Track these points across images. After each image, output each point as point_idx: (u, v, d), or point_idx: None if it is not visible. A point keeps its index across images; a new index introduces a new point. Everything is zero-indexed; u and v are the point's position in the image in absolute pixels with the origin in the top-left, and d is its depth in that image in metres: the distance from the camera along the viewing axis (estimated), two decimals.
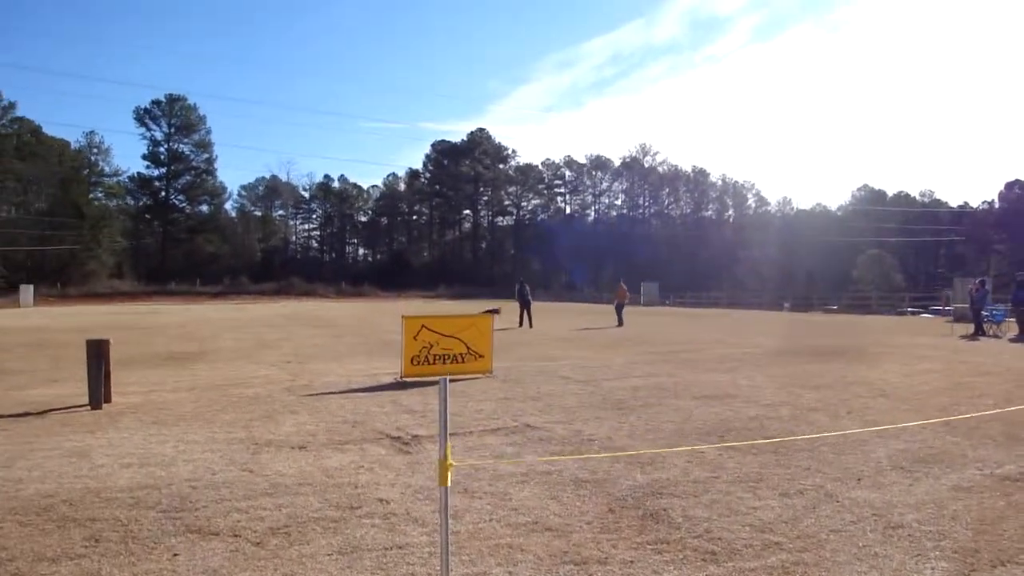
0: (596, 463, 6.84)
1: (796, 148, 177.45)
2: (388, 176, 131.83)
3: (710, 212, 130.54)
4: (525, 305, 29.46)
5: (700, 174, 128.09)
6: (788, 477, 6.35)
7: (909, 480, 6.27)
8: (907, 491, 5.95)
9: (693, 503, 5.63)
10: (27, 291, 67.35)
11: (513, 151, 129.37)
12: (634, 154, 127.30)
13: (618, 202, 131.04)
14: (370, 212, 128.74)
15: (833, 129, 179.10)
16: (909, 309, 51.14)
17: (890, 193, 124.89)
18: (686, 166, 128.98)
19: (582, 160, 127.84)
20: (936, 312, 45.37)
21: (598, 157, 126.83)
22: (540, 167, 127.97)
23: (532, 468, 6.69)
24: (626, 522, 5.22)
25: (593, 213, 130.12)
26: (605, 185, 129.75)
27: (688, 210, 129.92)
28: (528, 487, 6.08)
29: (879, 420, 8.98)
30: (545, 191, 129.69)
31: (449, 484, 3.54)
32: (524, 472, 6.55)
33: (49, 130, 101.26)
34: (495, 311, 26.98)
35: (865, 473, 6.48)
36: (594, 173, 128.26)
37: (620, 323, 30.64)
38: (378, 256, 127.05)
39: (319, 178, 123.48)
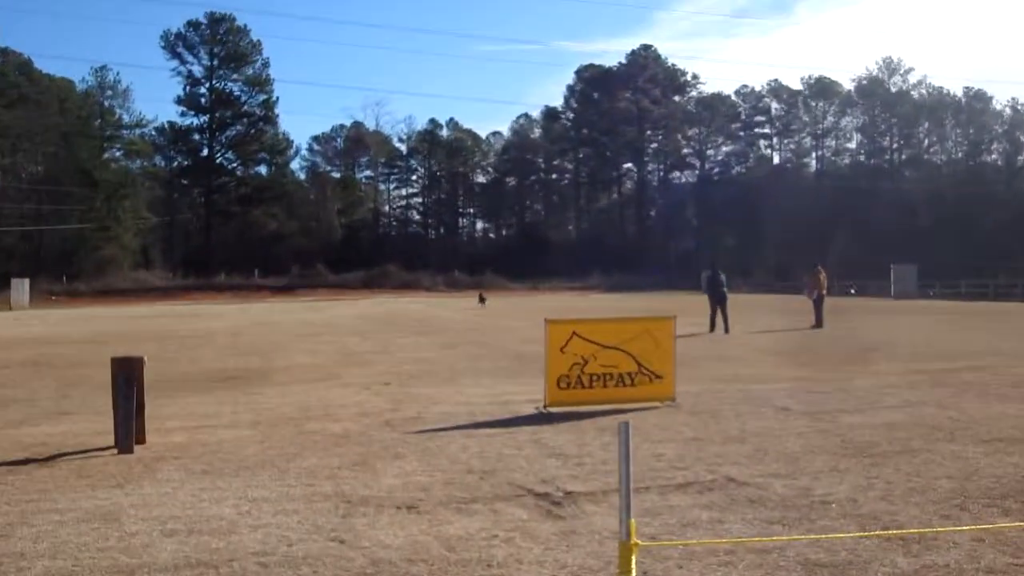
0: (835, 539, 6.71)
1: None
2: (517, 119, 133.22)
3: (993, 156, 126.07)
4: (719, 301, 29.18)
5: (977, 99, 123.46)
6: None
7: None
8: None
9: None
10: (21, 287, 69.68)
11: (693, 76, 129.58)
12: (875, 74, 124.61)
13: (851, 145, 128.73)
14: (492, 171, 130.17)
15: None
16: None
17: None
18: (955, 88, 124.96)
19: (796, 86, 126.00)
20: None
21: (820, 80, 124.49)
22: (733, 98, 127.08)
23: (740, 543, 6.62)
24: None
25: (814, 163, 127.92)
26: (831, 121, 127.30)
27: (960, 154, 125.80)
28: (735, 571, 6.02)
29: None
30: (742, 133, 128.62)
31: (635, 573, 3.52)
32: (729, 549, 6.48)
33: (43, 65, 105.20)
34: (482, 299, 27.41)
35: None
36: (814, 104, 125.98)
37: (818, 323, 30.44)
38: (503, 232, 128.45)
39: (420, 125, 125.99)
